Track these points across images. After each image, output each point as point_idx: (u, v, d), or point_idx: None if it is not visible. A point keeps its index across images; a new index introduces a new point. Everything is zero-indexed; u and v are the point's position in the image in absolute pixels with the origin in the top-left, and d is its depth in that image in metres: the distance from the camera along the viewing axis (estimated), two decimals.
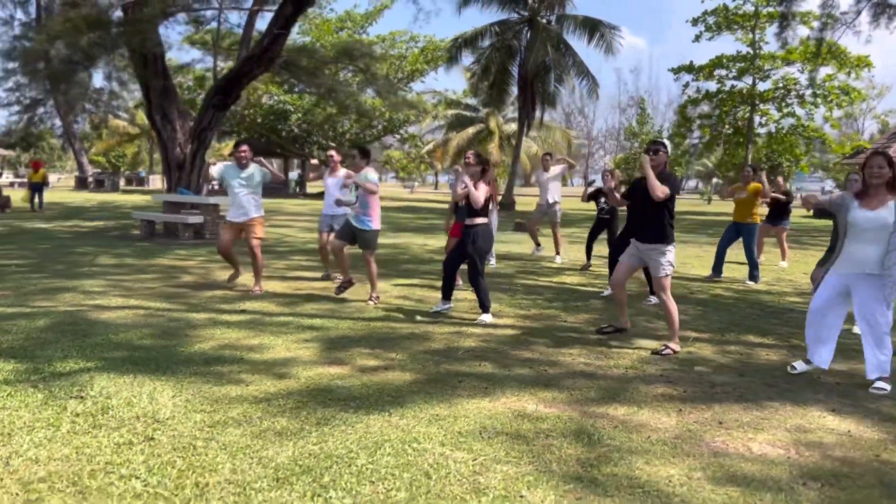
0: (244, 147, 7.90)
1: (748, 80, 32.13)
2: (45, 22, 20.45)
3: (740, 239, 10.13)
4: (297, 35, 42.49)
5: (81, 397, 4.24)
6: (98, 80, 51.03)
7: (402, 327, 6.57)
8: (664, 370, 5.36)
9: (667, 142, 5.99)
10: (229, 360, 5.21)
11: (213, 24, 23.06)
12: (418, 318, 6.98)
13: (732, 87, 32.10)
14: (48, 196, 26.86)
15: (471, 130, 41.95)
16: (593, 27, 27.41)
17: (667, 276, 5.83)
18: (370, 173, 7.56)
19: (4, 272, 9.09)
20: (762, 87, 32.16)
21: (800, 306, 8.37)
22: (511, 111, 43.66)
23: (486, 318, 6.86)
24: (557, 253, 12.04)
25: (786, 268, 12.11)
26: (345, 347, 5.73)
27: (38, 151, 66.18)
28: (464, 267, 7.25)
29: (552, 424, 4.05)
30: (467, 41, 28.89)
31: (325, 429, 3.85)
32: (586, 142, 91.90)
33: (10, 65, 20.71)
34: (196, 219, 13.94)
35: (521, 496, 3.12)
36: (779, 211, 11.96)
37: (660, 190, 5.59)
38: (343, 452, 3.52)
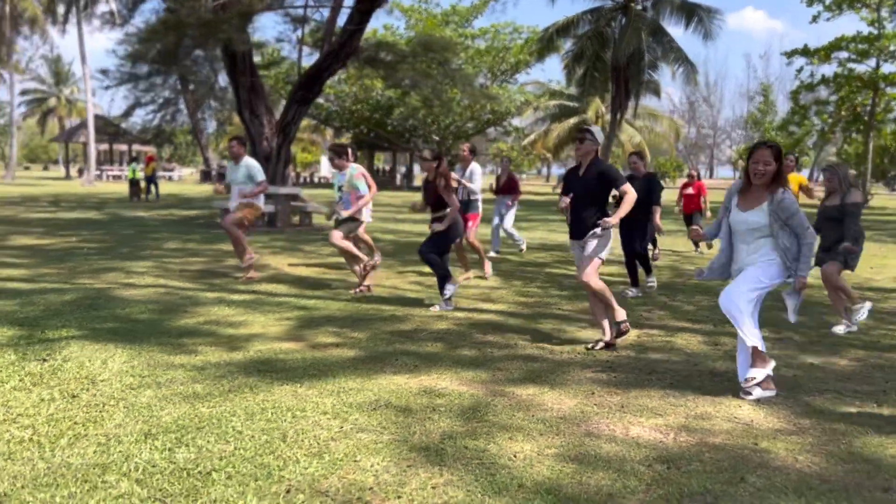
0: (233, 142, 8.38)
1: (871, 62, 29.60)
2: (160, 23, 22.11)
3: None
4: (403, 30, 43.50)
5: (44, 360, 4.78)
6: (223, 79, 54.16)
7: (388, 310, 6.80)
8: (614, 357, 5.29)
9: (595, 129, 5.75)
10: (201, 334, 5.65)
11: (308, 21, 24.05)
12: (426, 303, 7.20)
13: (851, 70, 29.65)
14: (171, 188, 29.13)
15: (572, 121, 41.28)
16: (690, 12, 26.25)
17: (601, 258, 5.62)
18: (359, 181, 7.76)
19: (75, 253, 10.11)
20: (887, 69, 29.52)
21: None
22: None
23: (450, 289, 6.93)
24: None
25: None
26: (317, 326, 6.03)
27: (175, 147, 71.64)
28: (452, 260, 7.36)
29: (449, 401, 4.15)
30: (560, 30, 28.52)
31: (230, 395, 4.16)
32: (710, 132, 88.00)
33: (144, 67, 22.56)
34: (268, 208, 14.76)
35: (356, 461, 3.27)
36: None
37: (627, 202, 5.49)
38: (226, 416, 3.81)
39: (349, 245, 8.00)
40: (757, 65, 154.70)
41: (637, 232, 8.01)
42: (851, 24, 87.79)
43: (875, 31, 28.98)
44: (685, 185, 12.72)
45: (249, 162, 8.34)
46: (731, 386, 4.57)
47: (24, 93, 74.74)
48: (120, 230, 13.78)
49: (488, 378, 4.64)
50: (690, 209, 12.49)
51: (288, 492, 2.94)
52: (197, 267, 9.23)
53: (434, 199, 7.05)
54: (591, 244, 5.63)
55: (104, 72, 25.87)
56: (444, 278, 6.93)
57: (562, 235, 13.70)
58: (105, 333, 5.55)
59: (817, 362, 5.27)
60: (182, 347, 5.22)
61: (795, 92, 31.22)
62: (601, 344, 5.55)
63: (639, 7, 27.53)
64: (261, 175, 8.29)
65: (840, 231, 6.60)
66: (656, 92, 37.34)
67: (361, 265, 7.89)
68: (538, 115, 44.96)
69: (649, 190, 8.00)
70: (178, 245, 11.44)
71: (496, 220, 11.07)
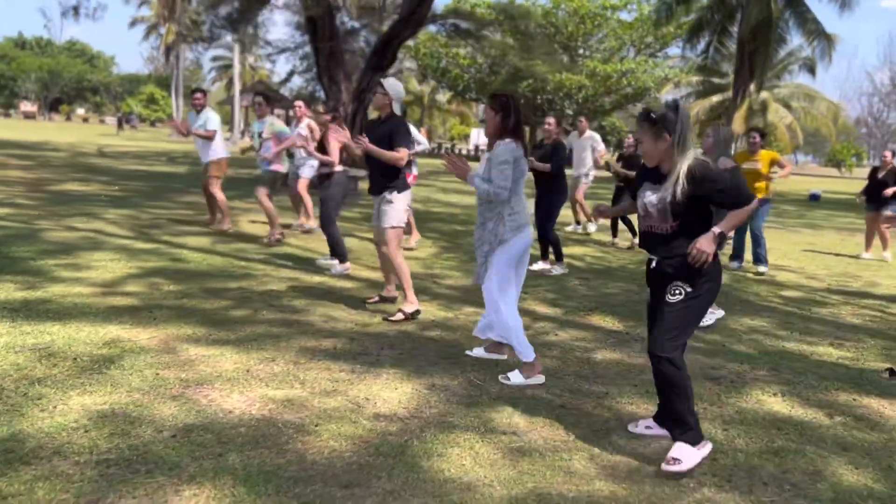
0: (198, 94, 8.66)
1: None
2: None
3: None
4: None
5: None
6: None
7: (260, 269, 6.88)
8: (396, 331, 5.05)
9: (390, 80, 5.40)
10: (31, 272, 6.05)
11: None
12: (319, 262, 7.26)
13: None
14: None
15: (714, 99, 38.21)
16: None
17: (393, 227, 5.32)
18: (276, 123, 7.85)
19: (86, 199, 11.09)
20: None
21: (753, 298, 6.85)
22: (766, 76, 38.90)
23: (338, 268, 6.85)
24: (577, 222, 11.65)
25: (890, 260, 9.79)
26: (148, 276, 6.24)
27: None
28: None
29: (135, 348, 4.18)
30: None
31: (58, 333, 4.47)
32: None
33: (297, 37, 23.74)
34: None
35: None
36: (878, 192, 9.52)
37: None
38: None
39: (268, 205, 8.14)
40: None
41: (541, 210, 7.43)
42: None
43: None
44: None
45: (207, 113, 8.68)
46: (449, 369, 4.19)
47: (214, 59, 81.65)
48: (168, 183, 14.86)
49: (227, 339, 4.59)
50: None
51: None
52: (176, 217, 9.79)
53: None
54: (384, 212, 5.37)
55: (268, 42, 27.79)
56: (334, 239, 6.88)
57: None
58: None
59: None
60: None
61: None
62: (375, 298, 5.71)
63: None
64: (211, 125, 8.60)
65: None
66: (811, 70, 33.70)
67: (274, 233, 8.03)
68: (681, 92, 42.11)
69: (552, 158, 7.34)
70: (193, 199, 12.13)
71: None
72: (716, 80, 38.74)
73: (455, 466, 3.01)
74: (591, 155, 10.89)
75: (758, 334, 5.70)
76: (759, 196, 8.29)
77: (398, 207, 5.37)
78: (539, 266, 7.58)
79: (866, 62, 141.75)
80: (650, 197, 3.28)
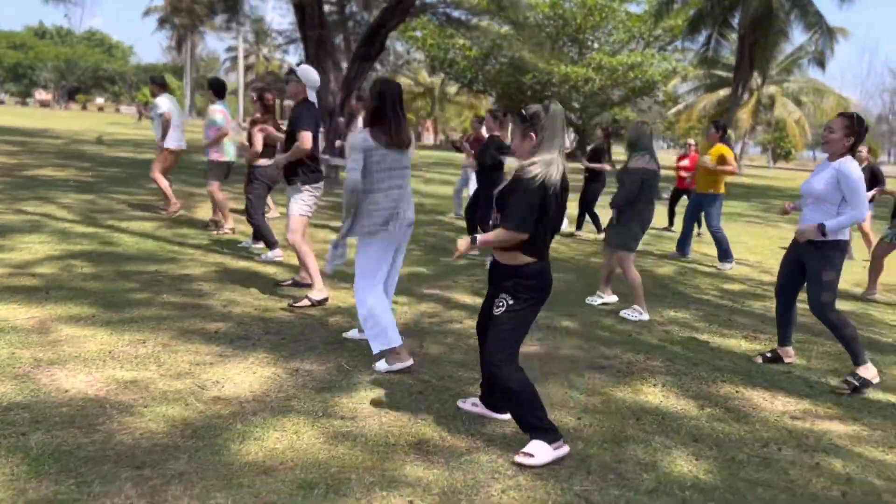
0: (154, 84, 8.71)
1: None
2: None
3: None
4: None
5: None
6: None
7: (189, 253, 6.86)
8: (294, 317, 5.00)
9: (302, 68, 5.30)
10: None
11: None
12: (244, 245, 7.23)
13: None
14: None
15: (722, 93, 37.66)
16: None
17: (301, 215, 5.29)
18: (216, 114, 7.82)
19: (56, 185, 11.13)
20: None
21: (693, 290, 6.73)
22: (775, 71, 38.35)
23: (268, 254, 6.83)
24: None
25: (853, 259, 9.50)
26: (71, 259, 6.24)
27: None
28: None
29: (7, 327, 4.18)
30: None
31: None
32: None
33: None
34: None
35: None
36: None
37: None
38: None
39: (219, 197, 8.12)
40: None
41: (480, 201, 7.36)
42: None
43: None
44: (681, 158, 11.33)
45: (163, 99, 8.71)
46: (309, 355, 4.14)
47: (229, 49, 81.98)
48: (147, 170, 14.87)
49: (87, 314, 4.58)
50: (683, 185, 11.07)
51: None
52: (137, 203, 9.81)
53: None
54: (292, 199, 5.35)
55: (280, 32, 27.90)
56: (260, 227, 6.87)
57: None
58: None
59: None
60: None
61: None
62: (289, 282, 5.73)
63: None
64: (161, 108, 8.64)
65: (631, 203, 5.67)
66: (820, 63, 33.11)
67: (222, 225, 8.00)
68: (689, 86, 41.66)
69: (483, 152, 7.27)
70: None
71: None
72: (723, 74, 38.18)
73: (265, 451, 2.96)
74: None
75: (674, 326, 5.59)
76: (711, 191, 8.16)
77: (304, 197, 5.33)
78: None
79: (890, 58, 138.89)
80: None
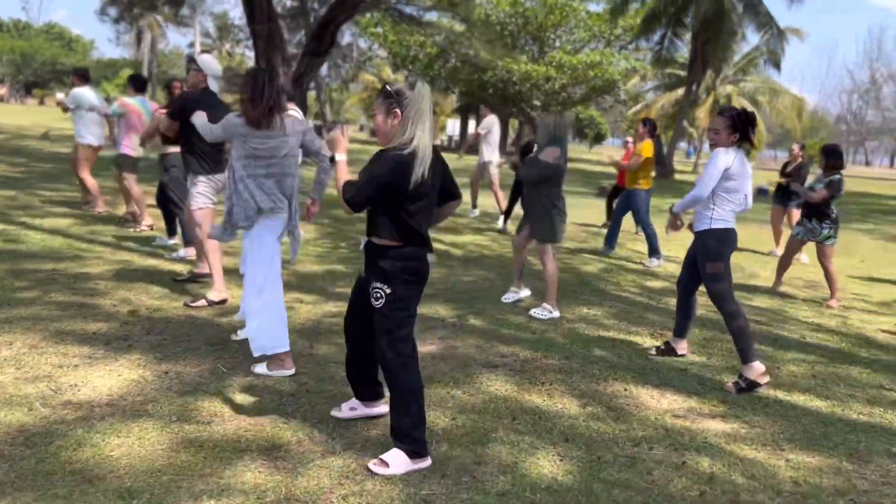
0: (74, 77, 8.48)
1: None
2: None
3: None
4: None
5: None
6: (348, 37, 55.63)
7: (97, 251, 6.64)
8: (184, 317, 4.81)
9: (202, 57, 5.19)
10: None
11: None
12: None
13: None
14: None
15: (679, 92, 37.94)
16: None
17: (199, 209, 5.14)
18: (116, 107, 7.68)
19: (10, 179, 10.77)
20: None
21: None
22: (731, 71, 38.86)
23: (166, 240, 6.74)
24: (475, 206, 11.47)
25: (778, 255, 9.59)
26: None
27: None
28: None
29: None
30: None
31: None
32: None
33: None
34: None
35: None
36: (786, 188, 9.27)
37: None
38: None
39: (136, 191, 7.90)
40: None
41: None
42: None
43: None
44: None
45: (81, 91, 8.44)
46: (180, 356, 3.98)
47: (191, 45, 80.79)
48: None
49: None
50: (623, 182, 11.03)
51: None
52: (60, 200, 9.51)
53: None
54: (190, 193, 5.19)
55: (241, 28, 27.38)
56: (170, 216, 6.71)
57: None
58: None
59: None
60: None
61: None
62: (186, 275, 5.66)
63: None
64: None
65: (539, 192, 5.62)
66: (776, 64, 33.58)
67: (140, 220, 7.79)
68: (649, 85, 42.01)
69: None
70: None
71: None
72: (681, 73, 38.51)
73: (98, 458, 2.81)
74: (495, 143, 10.64)
75: (583, 323, 5.53)
76: (636, 186, 8.17)
77: (199, 189, 5.17)
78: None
79: (848, 59, 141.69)
80: None
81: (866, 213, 18.72)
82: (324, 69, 58.67)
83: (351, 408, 3.40)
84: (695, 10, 23.69)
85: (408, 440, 2.94)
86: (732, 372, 4.56)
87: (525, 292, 6.07)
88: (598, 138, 56.25)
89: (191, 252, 6.61)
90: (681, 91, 38.32)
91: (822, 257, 6.74)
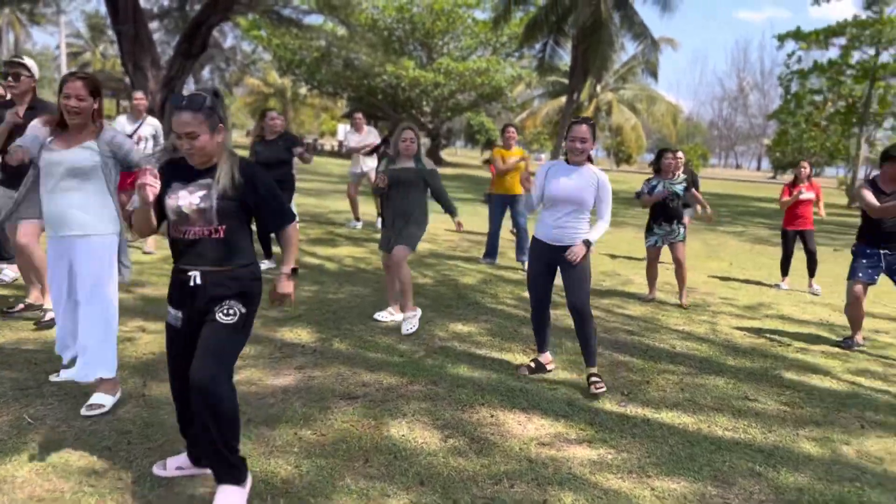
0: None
1: (870, 50, 26.66)
2: None
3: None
4: None
5: None
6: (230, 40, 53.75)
7: None
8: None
9: (32, 61, 4.57)
10: None
11: None
12: None
13: (848, 57, 26.61)
14: None
15: (563, 99, 39.03)
16: None
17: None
18: None
19: None
20: (885, 58, 26.50)
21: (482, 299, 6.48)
22: (612, 79, 40.37)
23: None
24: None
25: None
26: None
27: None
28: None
29: None
30: None
31: None
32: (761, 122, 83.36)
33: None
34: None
35: None
36: None
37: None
38: None
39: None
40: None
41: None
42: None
43: (872, 15, 26.16)
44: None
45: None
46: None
47: (58, 47, 75.78)
48: None
49: None
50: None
51: None
52: None
53: None
54: None
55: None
56: None
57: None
58: None
59: None
60: None
61: (786, 78, 28.58)
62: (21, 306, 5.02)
63: None
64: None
65: (410, 199, 5.41)
66: (654, 74, 35.07)
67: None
68: (535, 92, 42.97)
69: (287, 149, 6.97)
70: None
71: None
72: (565, 81, 39.59)
73: None
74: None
75: (456, 341, 5.27)
76: (503, 191, 8.12)
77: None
78: (265, 265, 7.04)
79: (718, 69, 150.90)
80: (188, 198, 2.70)
81: (735, 216, 19.70)
82: (206, 72, 56.56)
83: (178, 467, 2.96)
84: (574, 19, 24.24)
85: (234, 468, 2.67)
86: (605, 392, 4.40)
87: (399, 315, 5.75)
88: (489, 144, 57.11)
89: (10, 274, 5.90)
90: (564, 98, 39.51)
91: (682, 256, 6.94)
